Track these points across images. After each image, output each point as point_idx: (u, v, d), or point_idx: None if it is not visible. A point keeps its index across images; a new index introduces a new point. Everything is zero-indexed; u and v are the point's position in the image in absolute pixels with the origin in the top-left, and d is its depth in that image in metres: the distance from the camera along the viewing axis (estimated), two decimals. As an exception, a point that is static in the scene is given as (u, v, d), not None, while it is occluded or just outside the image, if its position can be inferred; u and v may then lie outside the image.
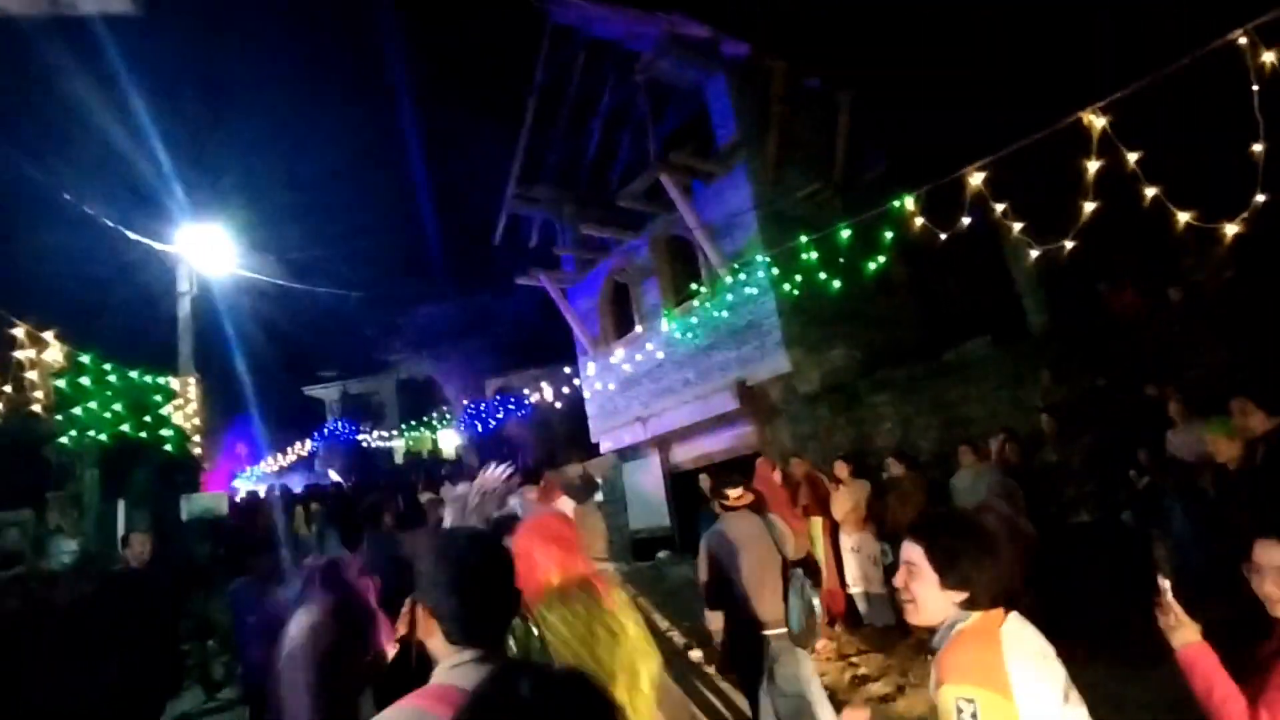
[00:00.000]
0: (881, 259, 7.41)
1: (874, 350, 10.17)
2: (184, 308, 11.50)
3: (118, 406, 7.25)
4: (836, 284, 7.73)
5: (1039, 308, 8.50)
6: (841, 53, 10.69)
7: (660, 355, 11.04)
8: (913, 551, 1.70)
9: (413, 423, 25.83)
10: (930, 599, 1.66)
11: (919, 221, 5.39)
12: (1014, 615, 1.66)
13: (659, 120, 12.15)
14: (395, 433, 27.06)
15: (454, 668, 1.28)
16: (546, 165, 13.02)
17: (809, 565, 6.56)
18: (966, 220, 5.02)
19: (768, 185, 9.87)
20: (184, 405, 10.15)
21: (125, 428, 7.39)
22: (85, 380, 6.46)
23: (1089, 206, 4.25)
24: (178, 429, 8.70)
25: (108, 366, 7.07)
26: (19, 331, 5.29)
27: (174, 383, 9.91)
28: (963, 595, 1.63)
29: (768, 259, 8.46)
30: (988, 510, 5.78)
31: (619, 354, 11.77)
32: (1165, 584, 2.18)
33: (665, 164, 9.72)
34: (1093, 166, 4.01)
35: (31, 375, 5.35)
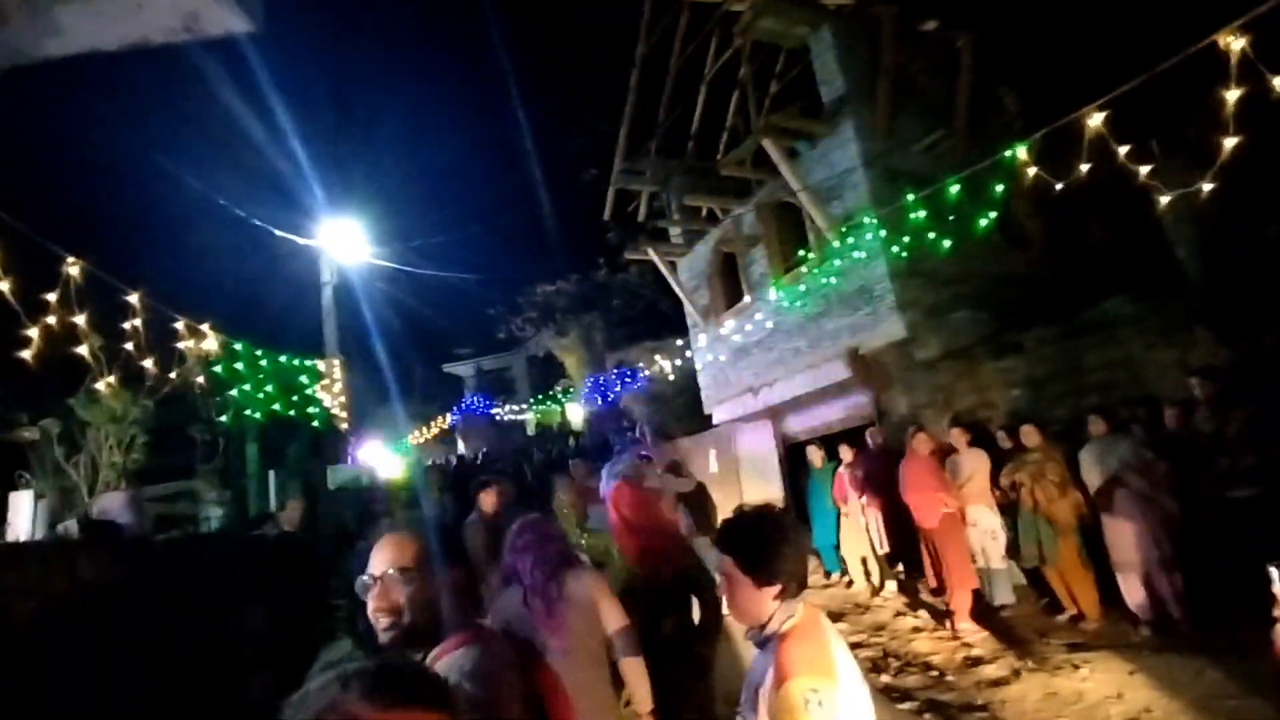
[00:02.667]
0: (1001, 213, 6.81)
1: (1003, 311, 9.40)
2: (327, 296, 12.61)
3: (270, 388, 8.11)
4: (950, 242, 7.18)
5: (1194, 257, 7.50)
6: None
7: (770, 325, 10.82)
8: (724, 562, 1.75)
9: (540, 396, 27.06)
10: (751, 601, 1.71)
11: (1031, 172, 4.89)
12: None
13: (763, 83, 11.76)
14: (525, 406, 28.47)
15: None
16: (652, 138, 12.98)
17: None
18: (1085, 167, 4.48)
19: (879, 140, 9.31)
20: (331, 385, 11.19)
21: (277, 407, 8.26)
22: (239, 366, 7.28)
23: (1229, 142, 3.67)
24: (324, 406, 9.60)
25: (259, 352, 7.91)
26: (179, 325, 6.02)
27: (320, 365, 10.93)
28: (776, 588, 1.69)
29: (875, 219, 8.01)
30: (1118, 485, 5.27)
31: (729, 324, 11.65)
32: (1275, 572, 2.02)
33: (766, 128, 9.40)
34: (1232, 96, 3.45)
35: (191, 363, 6.11)
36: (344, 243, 12.64)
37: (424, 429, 29.87)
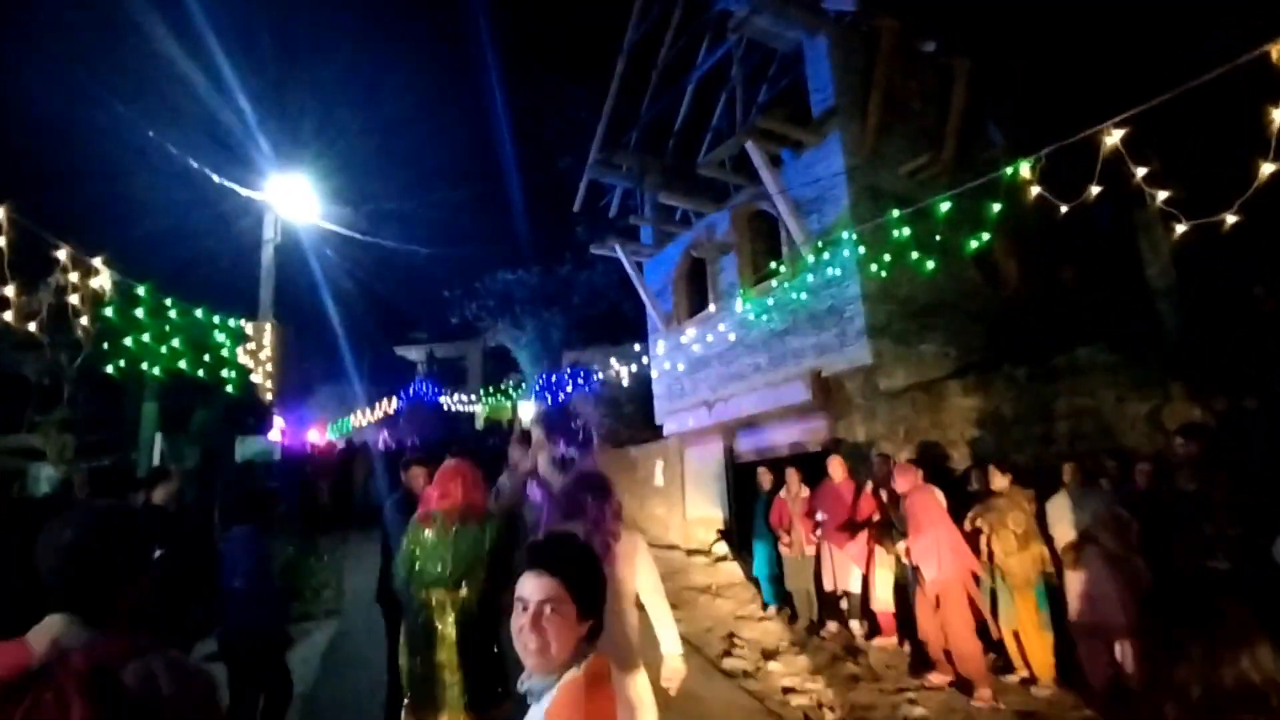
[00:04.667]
0: (987, 239, 6.43)
1: (971, 349, 9.12)
2: (267, 254, 11.71)
3: (175, 342, 7.28)
4: (931, 265, 6.79)
5: (1174, 310, 7.25)
6: (963, 14, 9.56)
7: (732, 337, 10.34)
8: (549, 586, 1.51)
9: (491, 389, 26.19)
10: (568, 636, 1.50)
11: (1034, 191, 4.46)
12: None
13: (753, 86, 11.35)
14: (475, 398, 27.53)
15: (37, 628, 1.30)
16: (632, 131, 12.46)
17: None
18: (1095, 190, 4.07)
19: (864, 157, 8.93)
20: (258, 350, 10.32)
21: (183, 365, 7.43)
22: (139, 312, 6.46)
23: (1268, 169, 3.27)
24: (241, 370, 8.76)
25: (168, 301, 7.08)
26: (62, 254, 5.22)
27: (249, 327, 10.07)
28: (590, 623, 1.55)
29: (853, 236, 7.59)
30: (1088, 541, 4.87)
31: (690, 333, 11.15)
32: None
33: (751, 130, 8.95)
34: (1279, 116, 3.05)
35: (73, 300, 5.30)
36: (291, 200, 11.79)
37: (369, 410, 28.79)
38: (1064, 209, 4.31)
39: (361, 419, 28.92)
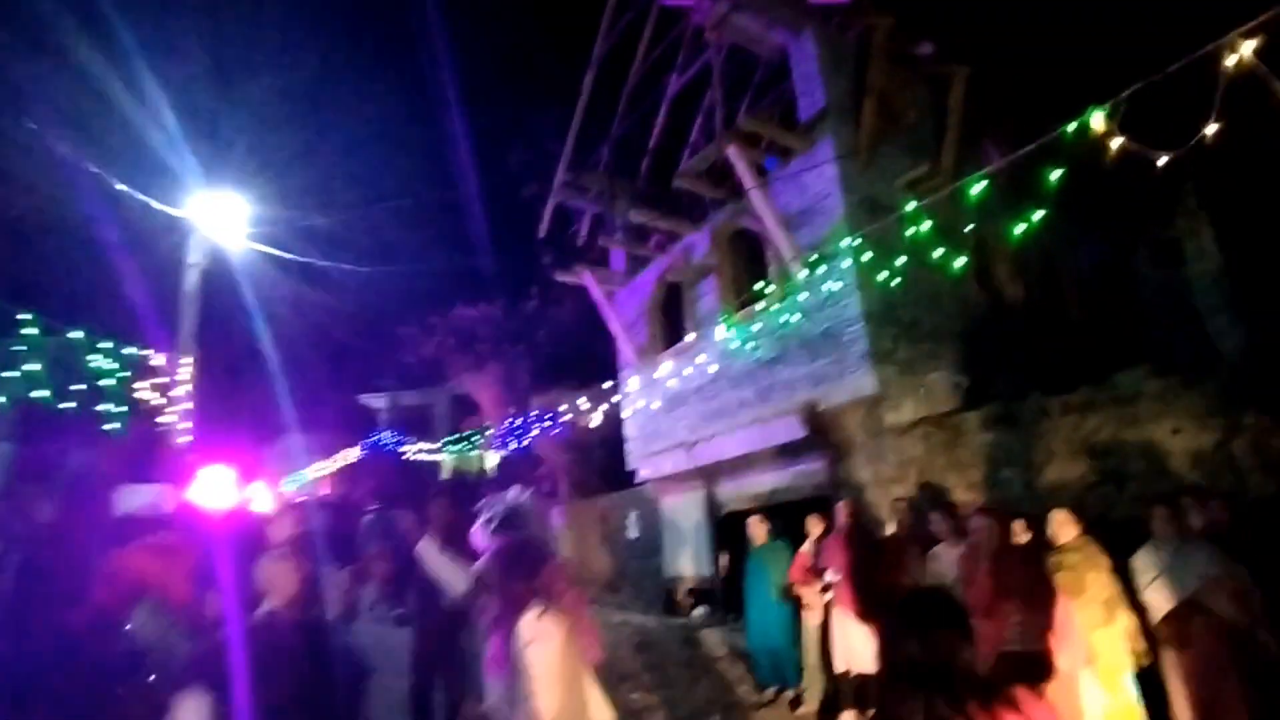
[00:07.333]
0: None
1: (985, 379, 8.06)
2: (190, 280, 10.37)
3: (34, 366, 5.92)
4: (961, 262, 5.75)
5: (1231, 329, 6.26)
6: (962, 16, 8.84)
7: (713, 369, 9.18)
8: None
9: (454, 437, 24.73)
10: None
11: (1116, 143, 3.42)
12: None
13: (734, 99, 10.50)
14: (438, 446, 26.07)
15: None
16: (602, 149, 11.51)
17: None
18: (1212, 128, 3.04)
19: (859, 163, 8.00)
20: (170, 386, 8.94)
21: (43, 394, 6.05)
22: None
23: None
24: (130, 405, 7.37)
25: (26, 316, 5.76)
26: None
27: (160, 358, 8.72)
28: None
29: (854, 243, 6.55)
30: (1196, 609, 3.67)
31: (665, 367, 9.97)
32: None
33: (734, 132, 8.00)
34: None
35: None
36: (220, 220, 10.49)
37: (331, 461, 27.32)
38: (1163, 160, 3.25)
39: (320, 470, 27.34)
